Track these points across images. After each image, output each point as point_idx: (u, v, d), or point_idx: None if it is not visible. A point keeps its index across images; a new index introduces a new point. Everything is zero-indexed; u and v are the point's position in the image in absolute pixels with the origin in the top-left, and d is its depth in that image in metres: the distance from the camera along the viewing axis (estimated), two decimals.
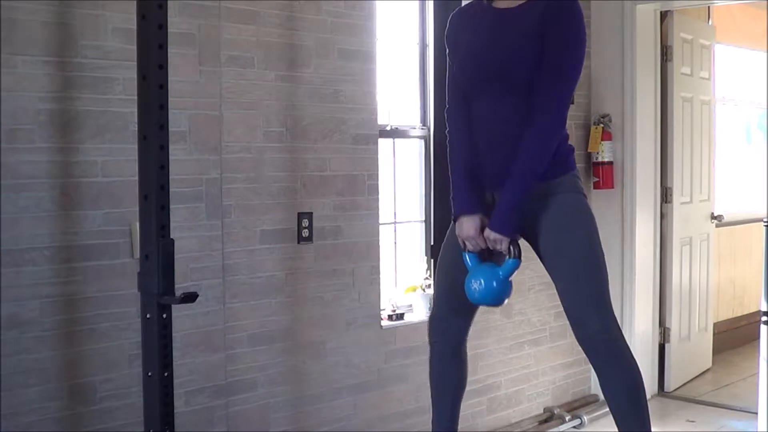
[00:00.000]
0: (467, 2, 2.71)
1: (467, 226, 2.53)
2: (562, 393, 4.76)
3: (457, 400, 2.74)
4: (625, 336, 2.55)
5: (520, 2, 2.51)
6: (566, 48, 2.44)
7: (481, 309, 2.75)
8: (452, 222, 2.61)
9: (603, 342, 2.45)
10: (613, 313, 2.49)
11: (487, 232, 2.49)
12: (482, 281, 2.50)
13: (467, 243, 2.54)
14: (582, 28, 2.50)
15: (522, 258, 2.52)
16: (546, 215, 2.50)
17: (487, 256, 2.57)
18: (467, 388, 3.99)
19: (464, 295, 2.59)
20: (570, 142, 2.62)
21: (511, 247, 2.48)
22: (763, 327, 3.95)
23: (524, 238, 2.58)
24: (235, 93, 3.25)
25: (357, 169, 3.68)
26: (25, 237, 2.72)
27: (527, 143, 2.44)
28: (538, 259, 2.65)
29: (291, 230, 3.45)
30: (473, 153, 2.57)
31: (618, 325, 2.49)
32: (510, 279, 2.52)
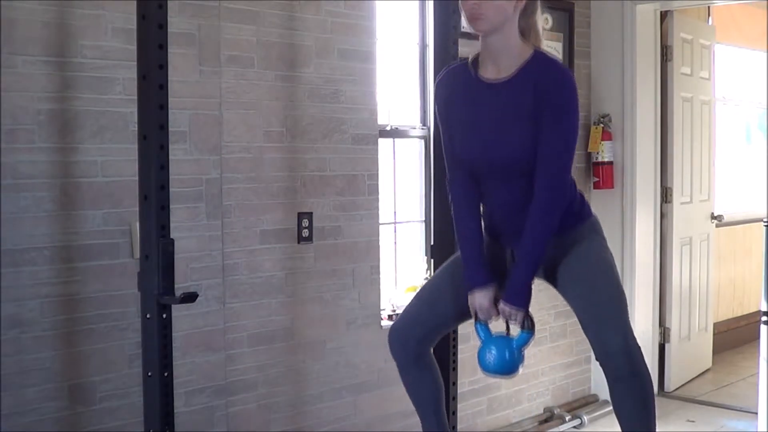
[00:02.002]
0: (451, 67, 2.63)
1: (480, 298, 2.51)
2: (562, 393, 4.76)
3: (438, 406, 2.70)
4: None
5: (509, 73, 2.44)
6: (563, 122, 2.40)
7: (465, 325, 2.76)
8: (465, 292, 2.59)
9: (623, 362, 2.40)
10: (632, 331, 2.45)
11: (502, 305, 2.48)
12: (495, 353, 2.49)
13: (479, 314, 2.53)
14: (575, 96, 2.45)
15: (535, 331, 2.53)
16: (565, 259, 2.50)
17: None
18: (467, 388, 4.01)
19: (437, 317, 2.61)
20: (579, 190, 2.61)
21: (525, 320, 2.49)
22: (763, 327, 3.95)
23: (543, 279, 2.59)
24: (235, 93, 3.25)
25: (357, 169, 3.68)
26: (25, 237, 2.72)
27: (532, 223, 2.42)
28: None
29: (291, 230, 3.45)
30: (479, 221, 2.56)
31: (633, 335, 2.43)
32: (523, 350, 2.53)
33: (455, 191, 2.60)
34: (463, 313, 2.61)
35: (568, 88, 2.43)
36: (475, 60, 2.52)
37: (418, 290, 2.82)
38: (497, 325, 2.57)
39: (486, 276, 2.53)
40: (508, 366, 2.50)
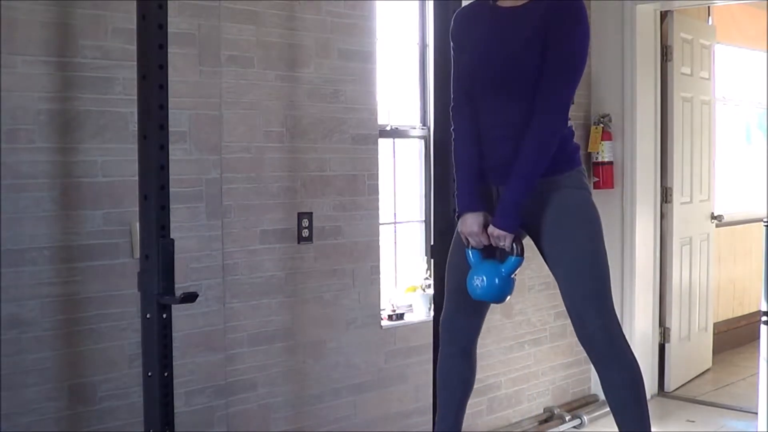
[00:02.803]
0: (470, 1, 2.70)
1: (470, 223, 2.53)
2: (562, 393, 4.76)
3: (463, 402, 2.72)
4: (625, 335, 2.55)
5: (525, 1, 2.50)
6: (567, 46, 2.43)
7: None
8: (456, 219, 2.62)
9: (603, 340, 2.45)
10: (614, 310, 2.49)
11: (491, 228, 2.50)
12: (484, 278, 2.50)
13: (470, 239, 2.55)
14: (585, 26, 2.49)
15: (525, 255, 2.52)
16: (549, 211, 2.51)
17: (490, 253, 2.57)
18: None
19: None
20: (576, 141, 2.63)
21: (514, 245, 2.48)
22: (763, 327, 3.95)
23: (527, 234, 2.58)
24: (235, 93, 3.25)
25: (357, 169, 3.68)
26: (25, 237, 2.72)
27: (528, 143, 2.44)
28: (539, 259, 2.65)
29: (291, 230, 3.45)
30: (478, 150, 2.58)
31: (618, 323, 2.49)
32: (513, 276, 2.52)
33: (457, 117, 2.62)
34: None
35: (578, 19, 2.46)
36: None
37: (446, 273, 2.80)
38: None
39: (477, 201, 2.55)
40: (495, 291, 2.51)
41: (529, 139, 2.44)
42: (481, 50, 2.54)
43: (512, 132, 2.48)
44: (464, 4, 2.72)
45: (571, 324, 2.51)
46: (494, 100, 2.53)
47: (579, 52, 2.48)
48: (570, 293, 2.49)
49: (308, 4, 3.48)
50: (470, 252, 2.56)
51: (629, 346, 2.47)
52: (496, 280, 2.50)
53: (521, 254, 2.50)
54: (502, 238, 2.48)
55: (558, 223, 2.51)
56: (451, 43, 2.68)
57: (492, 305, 2.70)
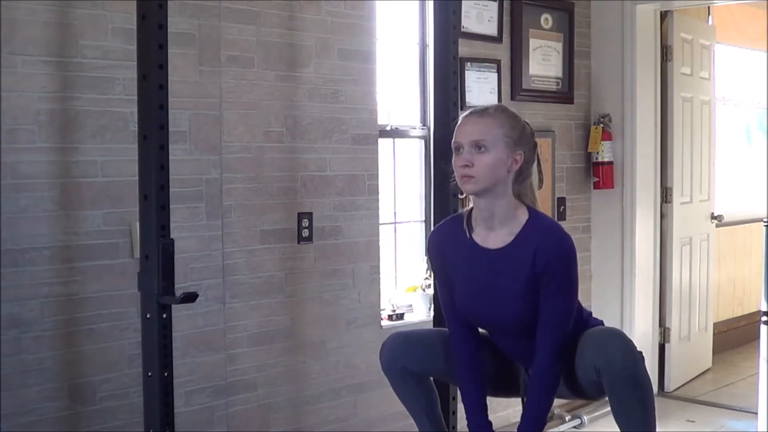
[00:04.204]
0: (444, 224, 2.59)
1: None
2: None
3: (431, 410, 2.66)
4: None
5: (505, 240, 2.41)
6: (564, 293, 2.40)
7: None
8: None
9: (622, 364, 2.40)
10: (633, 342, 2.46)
11: None
12: None
13: None
14: (575, 264, 2.42)
15: None
16: None
17: None
18: None
19: (429, 363, 2.60)
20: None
21: None
22: (763, 327, 3.95)
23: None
24: (235, 93, 3.25)
25: (357, 169, 3.68)
26: (25, 237, 2.72)
27: (536, 386, 2.46)
28: None
29: (291, 230, 3.45)
30: (482, 373, 2.56)
31: (639, 350, 2.41)
32: None
33: (455, 345, 2.56)
34: (451, 378, 2.65)
35: (569, 257, 2.40)
36: (469, 218, 2.48)
37: (427, 329, 2.81)
38: None
39: (486, 423, 2.57)
40: None
41: (535, 385, 2.47)
42: (473, 298, 2.47)
43: (523, 351, 2.51)
44: (439, 226, 2.65)
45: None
46: (497, 334, 2.55)
47: (574, 291, 2.44)
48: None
49: (308, 4, 3.48)
50: None
51: (644, 361, 2.41)
52: None
53: None
54: None
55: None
56: (430, 261, 2.65)
57: None
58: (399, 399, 2.69)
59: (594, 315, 2.66)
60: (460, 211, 2.71)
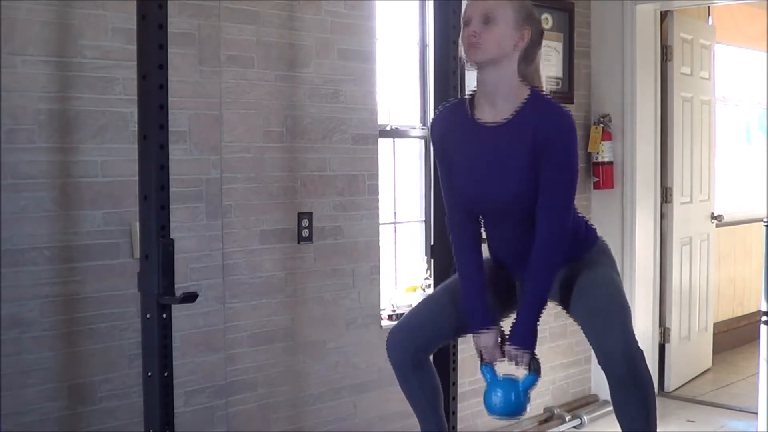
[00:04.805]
0: (447, 105, 2.59)
1: (485, 339, 2.50)
2: (562, 393, 4.76)
3: (436, 408, 2.66)
4: None
5: (505, 116, 2.40)
6: (564, 169, 2.39)
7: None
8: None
9: (623, 366, 2.37)
10: (635, 338, 2.43)
11: (508, 347, 2.47)
12: (501, 395, 2.48)
13: (484, 354, 2.52)
14: (575, 140, 2.43)
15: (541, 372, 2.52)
16: (575, 284, 2.48)
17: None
18: (467, 388, 4.01)
19: (437, 329, 2.57)
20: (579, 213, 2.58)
21: (531, 362, 2.47)
22: (763, 327, 3.95)
23: (557, 302, 2.58)
24: (235, 93, 3.25)
25: (357, 169, 3.68)
26: (25, 237, 2.72)
27: (535, 266, 2.42)
28: None
29: (291, 230, 3.45)
30: (481, 258, 2.54)
31: (639, 348, 2.39)
32: (529, 392, 2.51)
33: (455, 230, 2.56)
34: (463, 329, 2.59)
35: (569, 133, 2.40)
36: (472, 99, 2.48)
37: (420, 300, 2.80)
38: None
39: (489, 317, 2.51)
40: (514, 408, 2.49)
41: (535, 264, 2.42)
42: (473, 179, 2.46)
43: (521, 243, 2.46)
44: (444, 107, 2.61)
45: (571, 324, 2.50)
46: (496, 220, 2.52)
47: (574, 167, 2.44)
48: (590, 323, 2.43)
49: (308, 4, 3.48)
50: (484, 369, 2.54)
51: (645, 362, 2.38)
52: (513, 397, 2.48)
53: (538, 371, 2.49)
54: (520, 356, 2.47)
55: (582, 287, 2.48)
56: (433, 150, 2.62)
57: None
58: (405, 395, 2.67)
59: None
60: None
